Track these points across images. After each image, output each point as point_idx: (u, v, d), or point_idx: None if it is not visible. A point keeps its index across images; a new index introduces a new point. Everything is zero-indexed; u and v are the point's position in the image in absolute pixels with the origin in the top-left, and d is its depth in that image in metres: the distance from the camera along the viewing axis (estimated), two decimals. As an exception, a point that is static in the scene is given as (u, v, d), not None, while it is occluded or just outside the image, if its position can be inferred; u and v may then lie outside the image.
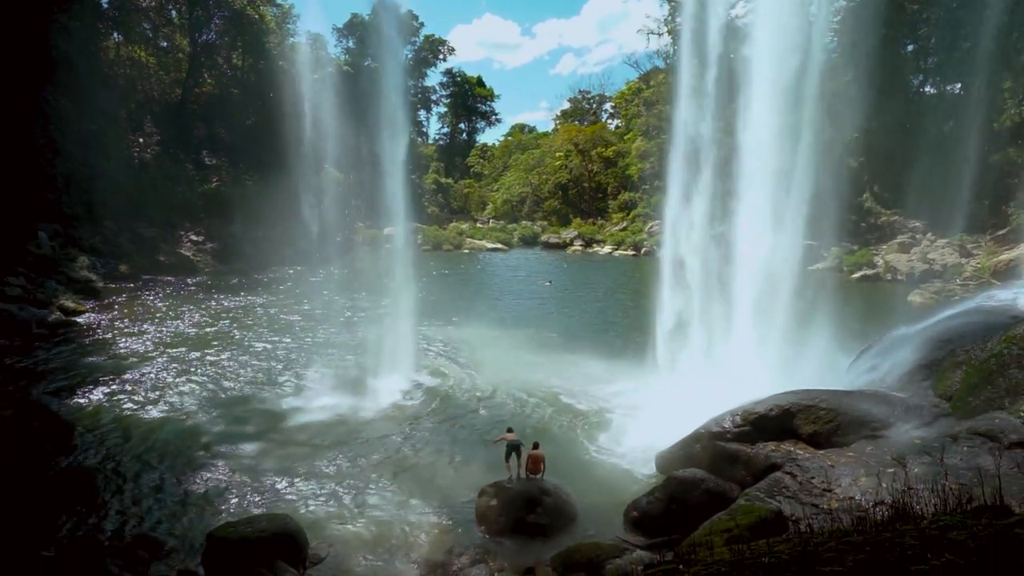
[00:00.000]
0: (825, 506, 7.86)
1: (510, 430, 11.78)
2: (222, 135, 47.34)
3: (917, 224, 39.09)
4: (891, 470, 8.07)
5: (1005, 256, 31.52)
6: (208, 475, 12.09)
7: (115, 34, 42.71)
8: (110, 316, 24.59)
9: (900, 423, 9.91)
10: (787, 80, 15.98)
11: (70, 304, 24.52)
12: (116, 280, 30.93)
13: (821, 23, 19.39)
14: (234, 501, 11.16)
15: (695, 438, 11.50)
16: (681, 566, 3.97)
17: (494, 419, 15.44)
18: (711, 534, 7.21)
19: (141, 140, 42.20)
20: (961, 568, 2.81)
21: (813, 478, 8.72)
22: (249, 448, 13.46)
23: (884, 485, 7.43)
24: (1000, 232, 34.39)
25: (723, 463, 10.69)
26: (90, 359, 18.99)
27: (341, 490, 11.69)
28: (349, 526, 10.44)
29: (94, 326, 22.98)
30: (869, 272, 37.20)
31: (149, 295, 29.16)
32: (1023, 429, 8.30)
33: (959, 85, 41.73)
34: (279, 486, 11.77)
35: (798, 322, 15.97)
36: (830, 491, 8.30)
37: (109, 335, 21.87)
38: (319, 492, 11.59)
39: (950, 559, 2.91)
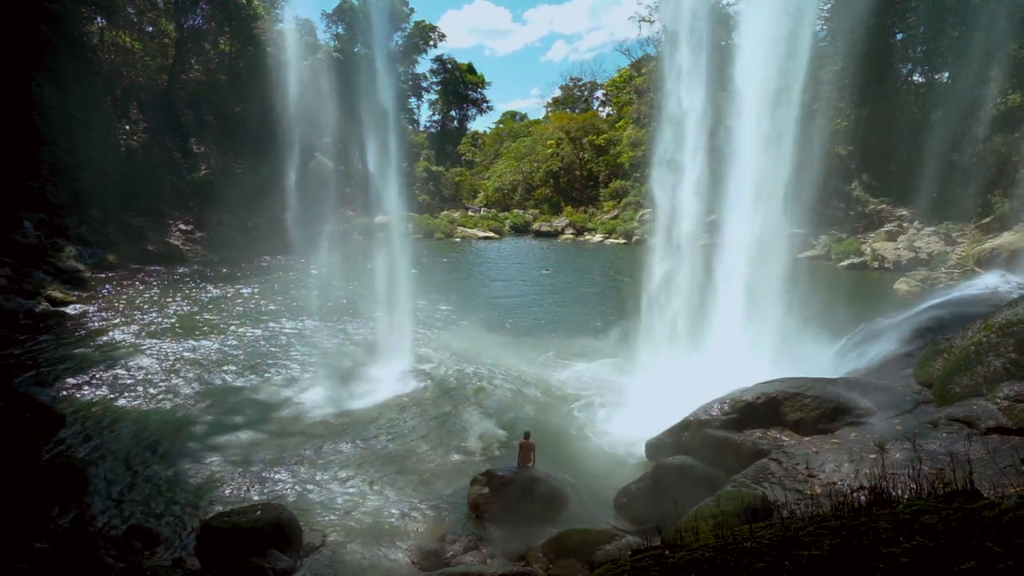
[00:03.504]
0: (809, 491, 8.04)
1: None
2: (210, 122, 46.75)
3: (904, 212, 39.46)
4: (872, 456, 8.28)
5: (988, 244, 31.92)
6: (201, 465, 12.15)
7: (98, 18, 41.89)
8: (98, 306, 24.43)
9: (883, 410, 10.13)
10: (777, 67, 16.03)
11: (57, 294, 24.31)
12: (104, 270, 30.64)
13: (811, 11, 19.42)
14: (228, 491, 11.24)
15: (684, 426, 11.69)
16: (667, 551, 4.11)
17: (486, 408, 15.59)
18: (698, 520, 7.37)
19: (127, 127, 41.59)
20: (931, 550, 2.95)
21: (798, 464, 8.91)
22: (242, 438, 13.53)
23: (865, 471, 7.62)
24: (984, 220, 34.80)
25: (711, 450, 10.88)
26: (79, 350, 18.90)
27: (334, 479, 11.80)
28: (343, 515, 10.57)
29: (82, 316, 22.83)
30: (857, 260, 37.56)
31: (138, 285, 28.95)
32: (999, 415, 8.55)
33: (947, 74, 41.99)
34: (272, 476, 11.86)
35: (786, 310, 16.19)
36: (814, 477, 8.49)
37: (98, 325, 21.75)
38: (312, 481, 11.69)
39: (921, 542, 3.05)
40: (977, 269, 29.34)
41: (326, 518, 10.43)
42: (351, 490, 11.42)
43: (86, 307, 24.12)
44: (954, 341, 11.19)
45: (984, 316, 11.38)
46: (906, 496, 4.50)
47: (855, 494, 5.63)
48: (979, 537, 2.95)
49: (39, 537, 8.82)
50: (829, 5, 41.68)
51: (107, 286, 28.05)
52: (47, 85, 32.69)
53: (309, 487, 11.50)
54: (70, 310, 23.41)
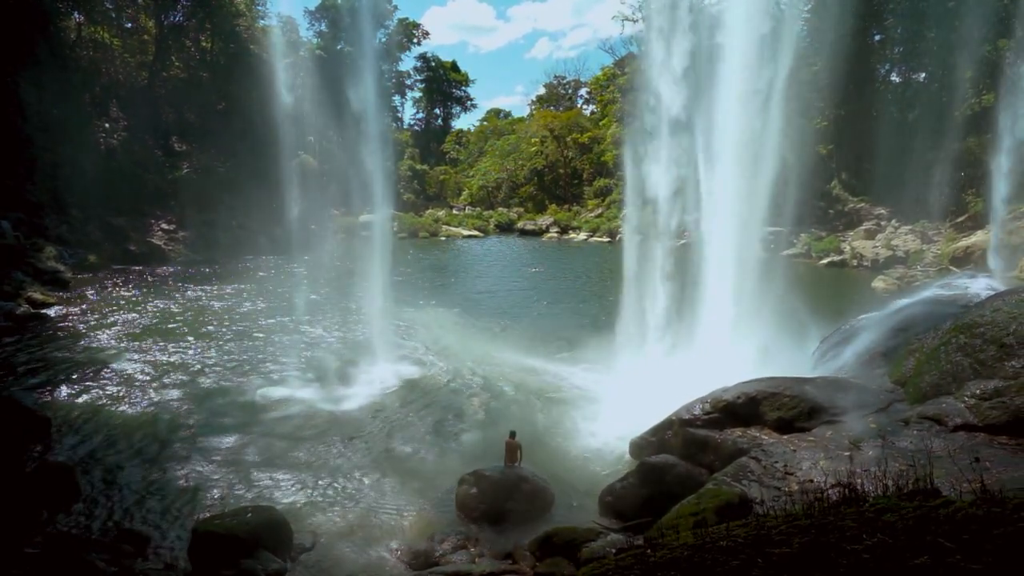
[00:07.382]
0: (786, 489, 8.33)
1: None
2: (192, 120, 46.23)
3: (882, 211, 40.28)
4: (847, 454, 8.60)
5: (963, 243, 32.76)
6: (190, 468, 12.17)
7: (76, 14, 41.18)
8: (81, 308, 24.17)
9: (858, 408, 10.46)
10: (758, 67, 16.24)
11: (38, 296, 24.02)
12: (85, 270, 30.29)
13: (792, 11, 19.66)
14: (217, 494, 11.28)
15: (667, 425, 11.94)
16: (649, 550, 4.33)
17: (473, 407, 15.77)
18: (679, 517, 7.63)
19: (107, 125, 40.96)
20: (890, 547, 3.19)
21: (776, 462, 9.20)
22: (230, 440, 13.54)
23: (840, 468, 7.92)
24: (959, 220, 35.66)
25: (693, 449, 11.14)
26: (62, 352, 18.73)
27: (323, 480, 11.89)
28: (333, 516, 10.67)
29: (64, 318, 22.59)
30: (836, 258, 38.30)
31: (120, 286, 28.66)
32: (966, 413, 8.93)
33: (923, 75, 42.86)
34: (262, 478, 11.91)
35: (767, 308, 16.50)
36: (791, 474, 8.79)
37: (80, 327, 21.54)
38: (302, 483, 11.78)
39: (881, 539, 3.29)
40: (951, 268, 30.11)
41: (316, 519, 10.53)
42: (340, 491, 11.53)
43: (68, 308, 23.86)
44: (926, 341, 11.57)
45: (954, 316, 11.79)
46: (875, 493, 4.78)
47: (828, 492, 5.90)
48: (934, 533, 3.20)
49: (29, 542, 8.83)
50: (810, 6, 42.30)
51: (89, 287, 27.74)
52: (24, 81, 32.15)
53: (299, 488, 11.58)
54: (52, 312, 23.16)
